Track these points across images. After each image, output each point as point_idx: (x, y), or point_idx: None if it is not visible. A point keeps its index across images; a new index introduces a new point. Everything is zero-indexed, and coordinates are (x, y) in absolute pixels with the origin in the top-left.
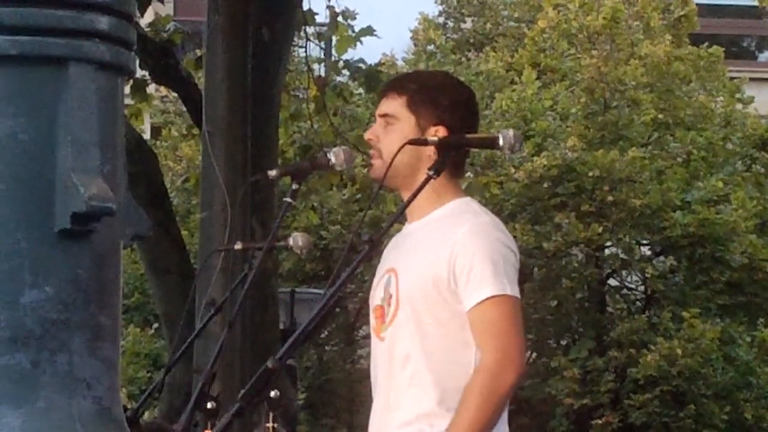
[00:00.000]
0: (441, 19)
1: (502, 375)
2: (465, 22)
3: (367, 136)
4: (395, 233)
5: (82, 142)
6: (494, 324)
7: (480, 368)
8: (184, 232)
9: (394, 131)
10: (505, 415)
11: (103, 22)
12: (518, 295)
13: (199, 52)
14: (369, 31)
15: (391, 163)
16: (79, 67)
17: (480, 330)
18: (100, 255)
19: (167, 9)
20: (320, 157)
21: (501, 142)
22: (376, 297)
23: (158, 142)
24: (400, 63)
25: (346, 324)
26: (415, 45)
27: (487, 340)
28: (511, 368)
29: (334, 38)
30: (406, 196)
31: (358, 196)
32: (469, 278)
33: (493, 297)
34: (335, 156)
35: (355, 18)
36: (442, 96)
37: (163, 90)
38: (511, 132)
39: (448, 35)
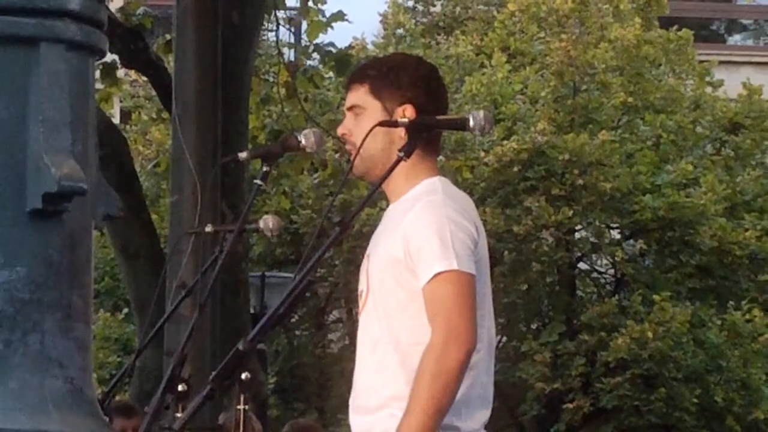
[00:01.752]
0: (410, 3)
1: (448, 352)
2: (434, 5)
3: (339, 131)
4: (366, 217)
5: (54, 122)
6: (441, 301)
7: (427, 347)
8: (154, 217)
9: (364, 120)
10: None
11: (73, 2)
12: (469, 270)
13: (168, 36)
14: (340, 16)
15: (359, 149)
16: (49, 47)
17: (429, 308)
18: (71, 235)
19: None
20: (291, 139)
21: (471, 123)
22: (360, 282)
23: (128, 127)
24: (370, 47)
25: (316, 308)
26: (385, 29)
27: (434, 318)
28: (456, 345)
29: (304, 23)
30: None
31: (331, 181)
32: (420, 256)
33: (440, 273)
34: (305, 138)
35: (326, 2)
36: (402, 75)
37: (133, 74)
38: (481, 113)
39: (417, 19)
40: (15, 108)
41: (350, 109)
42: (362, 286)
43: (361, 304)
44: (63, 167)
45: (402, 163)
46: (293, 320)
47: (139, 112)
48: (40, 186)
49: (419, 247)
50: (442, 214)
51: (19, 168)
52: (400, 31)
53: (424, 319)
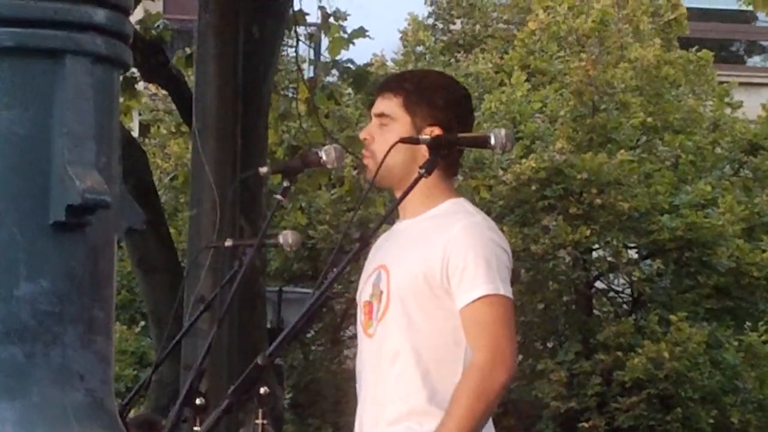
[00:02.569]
0: (430, 20)
1: (493, 374)
2: (454, 23)
3: (362, 135)
4: (382, 232)
5: (78, 134)
6: (486, 324)
7: (471, 367)
8: (171, 230)
9: (390, 131)
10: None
11: (99, 15)
12: (511, 296)
13: (188, 50)
14: (361, 32)
15: (382, 163)
16: (75, 60)
17: (472, 329)
18: (94, 248)
19: (157, 6)
20: (311, 155)
21: (492, 141)
22: (364, 293)
23: (146, 140)
24: (389, 64)
25: (333, 324)
26: (405, 46)
27: (479, 340)
28: (502, 368)
29: (325, 39)
30: (399, 195)
31: (348, 197)
32: (463, 277)
33: (485, 296)
34: (326, 154)
35: (346, 19)
36: (437, 96)
37: (152, 87)
38: (502, 131)
39: (437, 36)
40: (40, 120)
41: (378, 116)
42: (368, 296)
43: (366, 313)
44: (87, 180)
45: (423, 181)
46: (309, 335)
47: (158, 126)
48: (63, 198)
49: (463, 267)
50: (487, 238)
51: (42, 180)
52: (420, 48)
53: (449, 338)
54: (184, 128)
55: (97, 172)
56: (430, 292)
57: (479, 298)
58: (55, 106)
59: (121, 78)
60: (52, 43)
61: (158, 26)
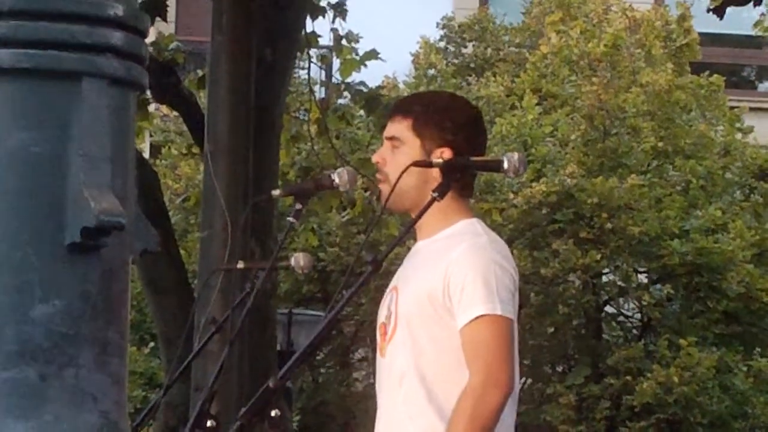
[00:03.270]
0: (442, 44)
1: (486, 397)
2: (466, 46)
3: (374, 159)
4: (393, 255)
5: (94, 156)
6: (482, 344)
7: (466, 389)
8: (181, 251)
9: (401, 154)
10: None
11: (116, 38)
12: (511, 316)
13: (200, 72)
14: (373, 54)
15: (394, 186)
16: (91, 82)
17: (468, 350)
18: (109, 269)
19: (168, 28)
20: (324, 177)
21: (506, 165)
22: (380, 315)
23: (157, 161)
24: (401, 86)
25: (342, 346)
26: (416, 69)
27: (474, 361)
28: (495, 390)
29: (337, 61)
30: (413, 217)
31: (361, 219)
32: (462, 297)
33: (483, 316)
34: (339, 177)
35: (359, 41)
36: (446, 118)
37: (164, 109)
38: (516, 155)
39: (449, 59)
40: (56, 142)
41: (389, 139)
42: (383, 318)
43: (381, 335)
44: (102, 202)
45: (435, 203)
46: (318, 358)
47: (169, 147)
48: (79, 220)
49: (462, 287)
50: (489, 258)
51: (58, 202)
52: (432, 71)
53: (452, 358)
54: (195, 149)
55: (113, 194)
56: (434, 313)
57: (476, 318)
58: (71, 127)
59: None
60: (69, 65)
61: (171, 48)
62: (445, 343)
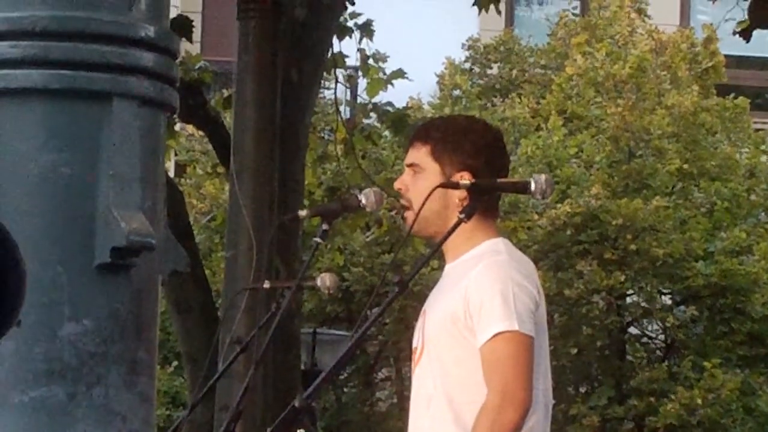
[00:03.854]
0: (467, 65)
1: (502, 415)
2: (491, 67)
3: (396, 185)
4: (418, 276)
5: (124, 177)
6: (499, 361)
7: (483, 407)
8: (206, 271)
9: (422, 180)
10: None
11: (147, 59)
12: (530, 333)
13: (226, 92)
14: (400, 73)
15: (419, 212)
16: (122, 103)
17: (487, 367)
18: (138, 289)
19: (193, 47)
20: (351, 198)
21: (533, 187)
22: (414, 338)
23: (182, 180)
24: (426, 107)
25: (366, 366)
26: (441, 89)
27: (492, 378)
28: (511, 408)
29: (364, 81)
30: (438, 241)
31: (386, 238)
32: (481, 315)
33: (500, 333)
34: (366, 197)
35: (386, 61)
36: (465, 142)
37: (189, 128)
38: (543, 177)
39: (474, 80)
40: (86, 162)
41: (410, 165)
42: (416, 342)
43: (414, 360)
44: (132, 222)
45: (462, 225)
46: (342, 377)
47: (194, 166)
48: (108, 240)
49: (481, 305)
50: (506, 275)
51: (88, 222)
52: (457, 92)
53: (478, 378)
54: (220, 169)
55: (143, 214)
56: (458, 334)
57: (495, 336)
58: (101, 148)
59: None
60: (99, 86)
61: (199, 67)
62: (469, 365)
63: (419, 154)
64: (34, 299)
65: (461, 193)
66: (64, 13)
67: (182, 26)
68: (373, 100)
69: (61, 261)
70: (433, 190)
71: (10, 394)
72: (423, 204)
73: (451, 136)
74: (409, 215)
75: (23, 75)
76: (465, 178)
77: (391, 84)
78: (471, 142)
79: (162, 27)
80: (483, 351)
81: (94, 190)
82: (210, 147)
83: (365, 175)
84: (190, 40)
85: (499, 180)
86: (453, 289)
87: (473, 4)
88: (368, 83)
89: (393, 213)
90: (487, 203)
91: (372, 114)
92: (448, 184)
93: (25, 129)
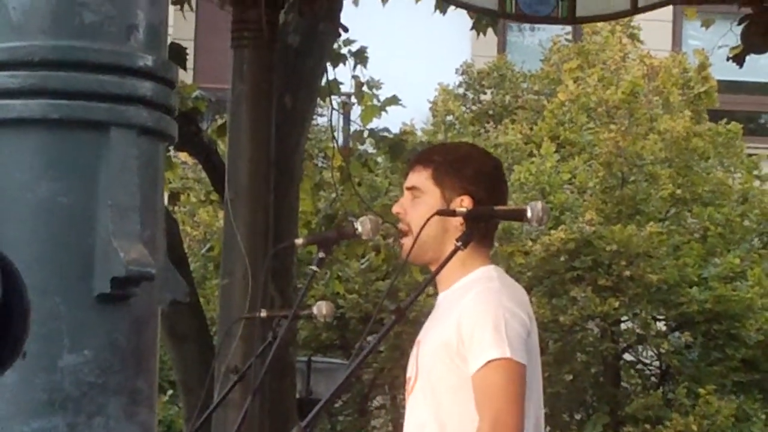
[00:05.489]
0: (461, 90)
1: None
2: (485, 93)
3: (394, 209)
4: (418, 303)
5: (123, 206)
6: (490, 388)
7: None
8: (200, 299)
9: (421, 204)
10: None
11: (145, 88)
12: (521, 360)
13: (219, 119)
14: (394, 100)
15: (417, 236)
16: (120, 132)
17: (478, 395)
18: (138, 320)
19: (187, 75)
20: (347, 226)
21: (529, 214)
22: (408, 368)
23: (175, 208)
24: (418, 133)
25: (361, 394)
26: (434, 116)
27: (483, 406)
28: None
29: (359, 108)
30: (434, 268)
31: (383, 266)
32: (473, 343)
33: (493, 361)
34: (362, 225)
35: (380, 87)
36: (466, 167)
37: (183, 156)
38: (539, 204)
39: (467, 106)
40: (84, 192)
41: (409, 189)
42: (409, 372)
43: (408, 389)
44: (131, 252)
45: (458, 252)
46: (337, 405)
47: (188, 194)
48: (108, 270)
49: (472, 333)
50: (498, 302)
51: (87, 252)
52: (450, 118)
53: (471, 406)
54: (214, 196)
55: (142, 244)
56: (450, 362)
57: (486, 363)
58: (100, 177)
59: None
60: (97, 115)
61: (195, 97)
62: (462, 393)
63: (420, 178)
64: (34, 330)
65: (459, 219)
66: (62, 43)
67: (176, 54)
68: (368, 127)
69: (60, 291)
70: (430, 217)
71: (12, 426)
72: (421, 230)
73: (454, 160)
74: (407, 240)
75: (21, 105)
76: (465, 203)
77: (385, 111)
78: (472, 167)
79: (160, 56)
80: (475, 379)
81: (92, 220)
82: (204, 174)
83: (363, 202)
84: (184, 68)
85: (495, 207)
86: (446, 318)
87: (471, 28)
88: (363, 110)
89: (390, 240)
90: (483, 231)
91: (367, 140)
92: (446, 212)
93: (24, 159)
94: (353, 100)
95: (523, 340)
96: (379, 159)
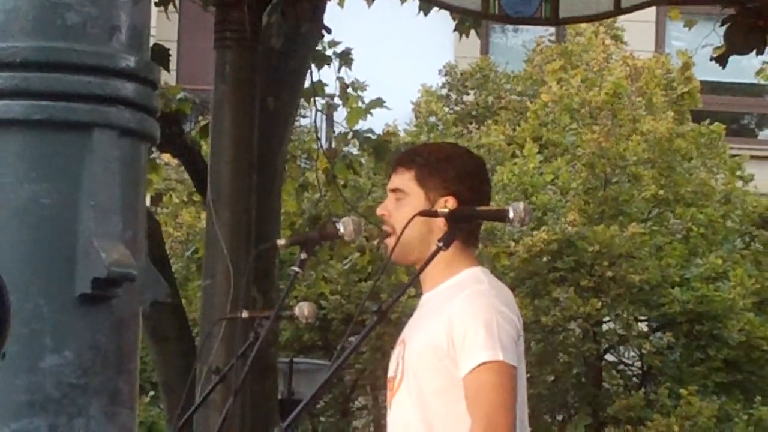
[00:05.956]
0: (444, 91)
1: None
2: (468, 94)
3: (379, 211)
4: (401, 304)
5: (105, 207)
6: (483, 391)
7: None
8: (182, 300)
9: (405, 205)
10: None
11: (127, 89)
12: (512, 362)
13: (201, 119)
14: (379, 102)
15: (400, 236)
16: (103, 133)
17: (470, 397)
18: (119, 320)
19: (169, 76)
20: (329, 227)
21: (511, 215)
22: (390, 368)
23: (158, 209)
24: (401, 134)
25: (342, 395)
26: (417, 117)
27: (475, 408)
28: None
29: (344, 109)
30: (418, 268)
31: (367, 268)
32: (464, 345)
33: (484, 363)
34: (344, 226)
35: (365, 89)
36: (449, 167)
37: (165, 157)
38: (521, 205)
39: (450, 107)
40: (67, 193)
41: (393, 191)
42: (392, 372)
43: (390, 389)
44: (113, 253)
45: (440, 253)
46: (318, 406)
47: (171, 195)
48: (89, 271)
49: (464, 335)
50: (490, 305)
51: (68, 252)
52: (433, 119)
53: (459, 407)
54: (197, 197)
55: (123, 245)
56: (438, 363)
57: (478, 366)
58: (82, 178)
59: None
60: (80, 117)
61: (179, 98)
62: (450, 395)
63: (403, 179)
64: (15, 330)
65: (443, 219)
66: (44, 44)
67: (159, 55)
68: (352, 128)
69: (42, 292)
70: (412, 218)
71: None
72: (403, 230)
73: (436, 161)
74: (391, 241)
75: (4, 106)
76: (449, 203)
77: (371, 113)
78: (455, 168)
79: (142, 57)
80: (466, 381)
81: (74, 220)
82: (186, 175)
83: (347, 203)
84: (167, 69)
85: (478, 208)
86: (433, 319)
87: (454, 30)
88: (348, 112)
89: (375, 242)
90: (467, 231)
91: (351, 142)
92: (427, 213)
93: (6, 160)
94: (337, 101)
95: (514, 342)
96: (362, 160)
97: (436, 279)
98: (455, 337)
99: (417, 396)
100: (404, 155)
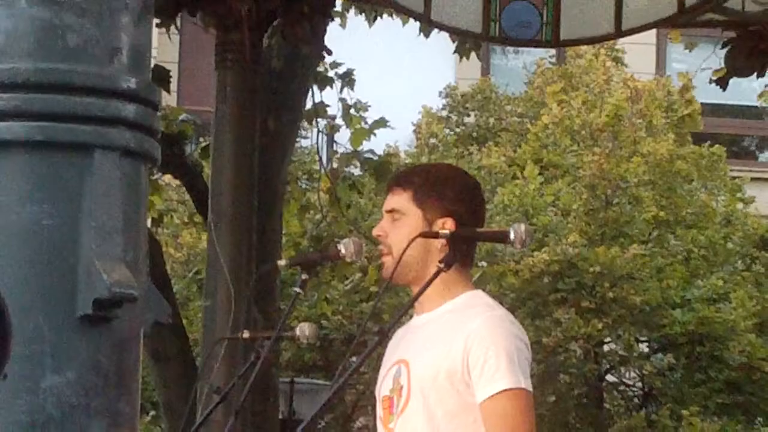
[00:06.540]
0: (444, 113)
1: None
2: (468, 116)
3: (375, 232)
4: (401, 325)
5: (106, 228)
6: (507, 417)
7: None
8: (183, 320)
9: (402, 226)
10: None
11: (128, 110)
12: (530, 389)
13: (203, 140)
14: (382, 123)
15: (400, 258)
16: (104, 154)
17: (493, 423)
18: (121, 341)
19: (170, 97)
20: (330, 248)
21: (512, 236)
22: (384, 388)
23: (159, 229)
24: (402, 156)
25: (344, 415)
26: (418, 138)
27: None
28: None
29: (343, 130)
30: (416, 289)
31: (368, 288)
32: (484, 370)
33: (507, 390)
34: (345, 247)
35: (367, 110)
36: (447, 188)
37: (166, 178)
38: (522, 226)
39: (451, 129)
40: (68, 214)
41: (389, 212)
42: (387, 391)
43: (383, 409)
44: (114, 273)
45: (441, 274)
46: (320, 426)
47: (171, 216)
48: (91, 292)
49: (485, 360)
50: (509, 332)
51: (70, 273)
52: (434, 140)
53: (468, 431)
54: (197, 218)
55: (125, 265)
56: (450, 387)
57: (500, 392)
58: (83, 199)
59: None
60: (81, 138)
61: (181, 120)
62: (461, 419)
63: (400, 200)
64: (17, 351)
65: (442, 240)
66: (46, 65)
67: (160, 77)
68: (354, 149)
69: (44, 312)
70: (414, 239)
71: None
72: (404, 251)
73: (434, 181)
74: (388, 261)
75: (5, 127)
76: (448, 224)
77: (374, 134)
78: (453, 188)
79: (144, 78)
80: (486, 406)
81: (76, 241)
82: (187, 196)
83: (351, 223)
84: (167, 90)
85: (478, 230)
86: (444, 341)
87: (454, 52)
88: (352, 133)
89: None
90: (465, 253)
91: (352, 163)
92: (429, 234)
93: (7, 181)
94: (340, 122)
95: (530, 367)
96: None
97: (434, 301)
98: (471, 362)
99: (427, 419)
100: (400, 176)
